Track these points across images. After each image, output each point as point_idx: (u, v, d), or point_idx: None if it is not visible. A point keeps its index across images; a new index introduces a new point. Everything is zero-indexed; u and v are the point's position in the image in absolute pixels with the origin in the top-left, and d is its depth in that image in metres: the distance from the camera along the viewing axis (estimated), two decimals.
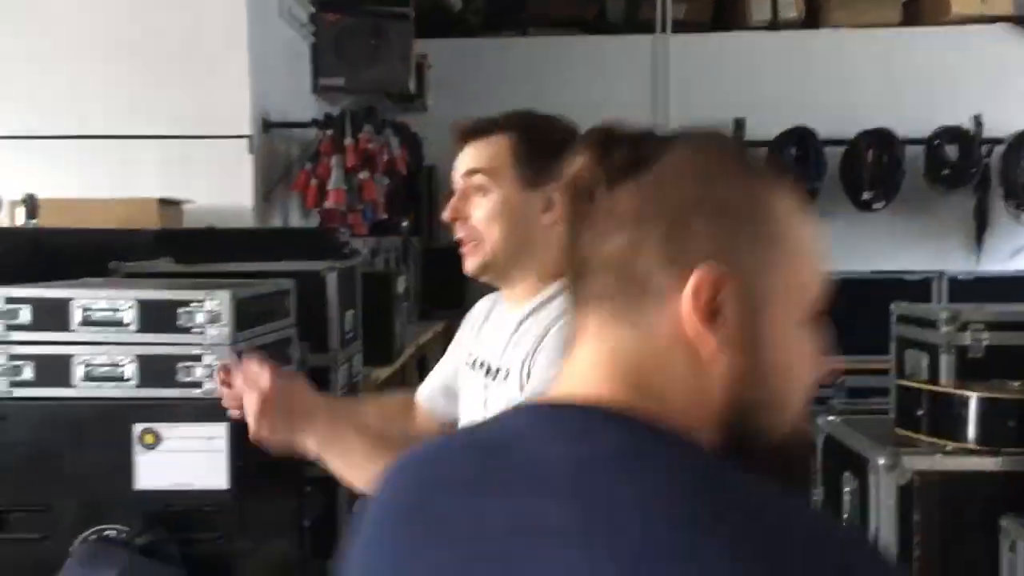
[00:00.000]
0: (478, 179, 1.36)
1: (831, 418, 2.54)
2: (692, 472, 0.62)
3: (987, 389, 2.28)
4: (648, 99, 5.60)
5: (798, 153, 5.13)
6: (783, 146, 5.14)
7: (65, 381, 1.62)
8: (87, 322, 1.63)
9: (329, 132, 4.03)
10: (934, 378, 2.44)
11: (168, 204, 3.30)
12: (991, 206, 5.32)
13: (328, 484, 2.48)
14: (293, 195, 4.16)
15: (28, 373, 1.62)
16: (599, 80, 5.61)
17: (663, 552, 0.56)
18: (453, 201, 1.39)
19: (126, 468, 1.59)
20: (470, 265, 1.38)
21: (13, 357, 1.62)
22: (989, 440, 2.23)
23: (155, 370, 1.61)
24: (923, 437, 2.31)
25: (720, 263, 0.66)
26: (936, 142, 5.12)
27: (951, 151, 5.14)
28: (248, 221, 3.69)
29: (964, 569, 2.21)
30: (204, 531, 1.59)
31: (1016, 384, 2.35)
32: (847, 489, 2.38)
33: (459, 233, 1.38)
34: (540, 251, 1.37)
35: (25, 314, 1.63)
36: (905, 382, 2.49)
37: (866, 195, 5.10)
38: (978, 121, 5.18)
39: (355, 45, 4.51)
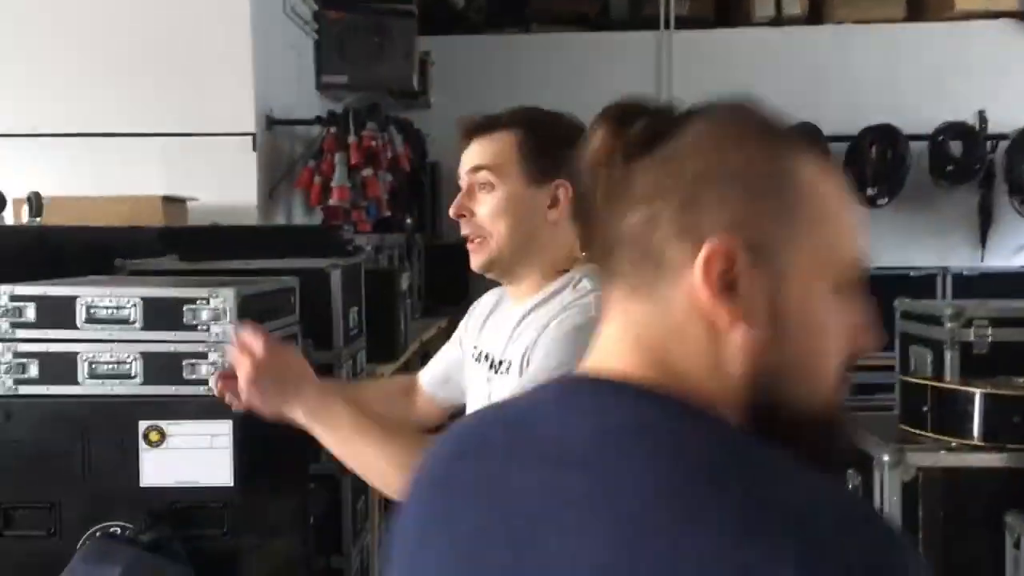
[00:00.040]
0: (483, 176, 1.37)
1: None
2: (701, 446, 0.62)
3: (992, 385, 2.28)
4: (653, 95, 5.58)
5: None
6: None
7: (70, 379, 1.62)
8: (92, 320, 1.63)
9: (333, 129, 4.03)
10: (938, 374, 2.43)
11: (172, 202, 3.31)
12: (995, 202, 5.31)
13: (333, 481, 2.49)
14: (297, 192, 4.16)
15: (33, 371, 1.63)
16: (602, 77, 5.60)
17: (656, 527, 0.57)
18: (459, 198, 1.39)
19: (131, 465, 1.59)
20: (476, 261, 1.38)
21: (18, 355, 1.63)
22: (994, 436, 2.23)
23: (160, 367, 1.62)
24: (927, 434, 2.31)
25: (734, 234, 0.65)
26: (940, 138, 5.11)
27: (955, 147, 5.13)
28: (252, 218, 3.70)
29: (968, 565, 2.20)
30: (209, 528, 1.60)
31: (1021, 380, 2.34)
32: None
33: (465, 230, 1.39)
34: (545, 247, 1.38)
35: (30, 312, 1.63)
36: (909, 378, 2.48)
37: (870, 191, 5.10)
38: (982, 117, 5.17)
39: (358, 42, 4.51)
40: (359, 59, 4.51)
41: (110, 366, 1.62)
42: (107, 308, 1.63)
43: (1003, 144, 5.14)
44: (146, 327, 1.63)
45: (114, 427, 1.60)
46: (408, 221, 4.73)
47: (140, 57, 3.68)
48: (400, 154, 4.27)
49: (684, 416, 0.65)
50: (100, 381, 1.62)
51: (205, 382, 1.61)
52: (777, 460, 0.62)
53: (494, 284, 1.50)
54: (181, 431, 1.60)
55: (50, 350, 1.63)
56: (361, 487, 2.68)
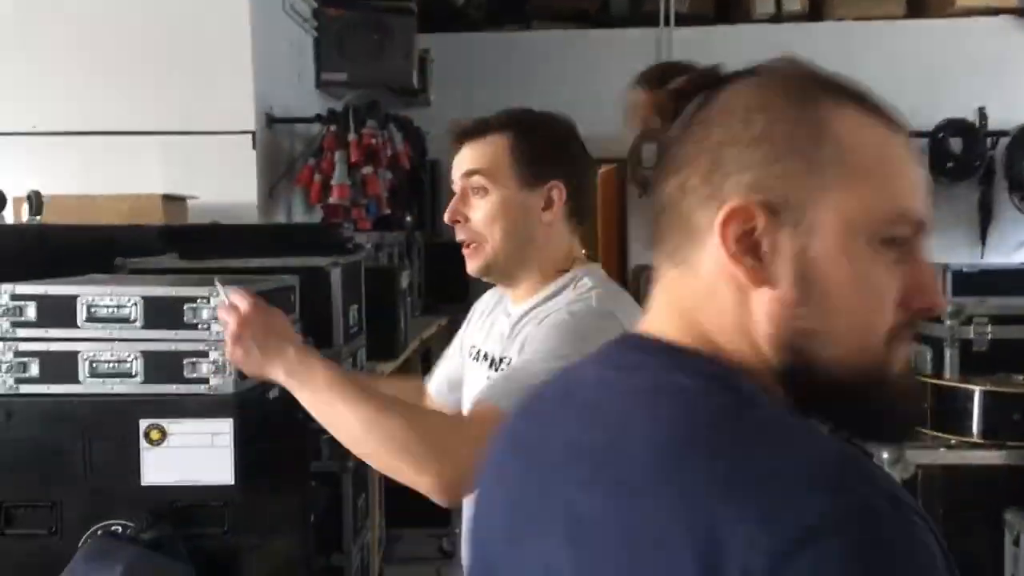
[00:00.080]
0: (477, 180, 1.37)
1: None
2: (703, 408, 0.63)
3: (991, 383, 2.28)
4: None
5: None
6: None
7: (71, 377, 1.62)
8: (93, 318, 1.63)
9: (332, 127, 4.03)
10: (938, 372, 2.44)
11: (172, 200, 3.31)
12: (995, 199, 5.32)
13: (333, 479, 2.49)
14: (297, 190, 4.17)
15: (34, 370, 1.63)
16: (602, 74, 5.59)
17: (644, 486, 0.60)
18: (453, 203, 1.39)
19: (132, 464, 1.59)
20: (473, 266, 1.39)
21: (19, 354, 1.63)
22: (993, 434, 2.24)
23: (161, 366, 1.62)
24: (927, 431, 2.31)
25: (754, 195, 0.65)
26: (940, 135, 5.11)
27: (955, 144, 5.13)
28: (252, 217, 3.70)
29: (968, 563, 2.21)
30: (210, 526, 1.60)
31: (1020, 378, 2.35)
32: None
33: (460, 235, 1.39)
34: (541, 249, 1.38)
35: (31, 311, 1.63)
36: None
37: None
38: (983, 114, 5.17)
39: (358, 40, 4.51)
40: (359, 57, 4.51)
41: (111, 365, 1.62)
42: (108, 307, 1.63)
43: (1003, 141, 5.15)
44: (147, 326, 1.63)
45: (115, 426, 1.60)
46: (408, 219, 4.74)
47: (140, 55, 3.68)
48: (400, 152, 4.27)
49: (700, 379, 0.66)
50: (101, 380, 1.62)
51: (206, 380, 1.62)
52: (772, 422, 0.62)
53: (495, 283, 1.50)
54: (182, 430, 1.60)
55: (51, 349, 1.63)
56: (362, 485, 2.69)
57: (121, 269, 2.28)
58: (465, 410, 1.44)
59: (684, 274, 0.70)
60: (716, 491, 0.57)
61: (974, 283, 4.58)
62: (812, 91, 0.68)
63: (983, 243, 5.40)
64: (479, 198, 1.37)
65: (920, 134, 5.08)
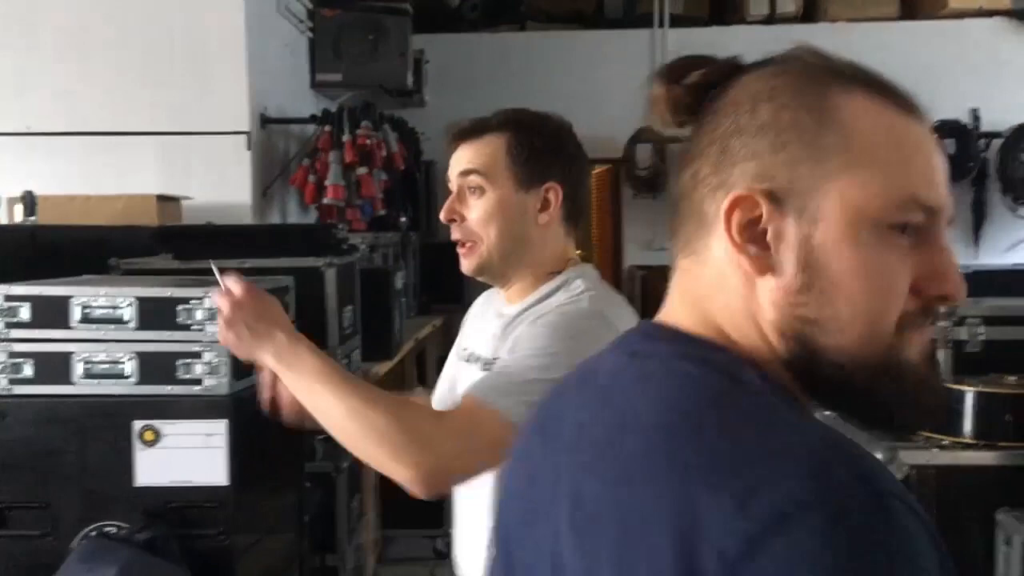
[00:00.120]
0: (473, 180, 1.37)
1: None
2: (702, 395, 0.64)
3: (984, 384, 2.29)
4: (646, 93, 5.60)
5: None
6: None
7: (65, 378, 1.62)
8: (86, 319, 1.63)
9: (327, 128, 4.03)
10: None
11: (167, 200, 3.30)
12: (988, 200, 5.34)
13: (327, 479, 2.49)
14: (291, 191, 4.16)
15: (28, 371, 1.63)
16: (597, 74, 5.61)
17: (642, 469, 0.61)
18: (449, 202, 1.39)
19: (126, 465, 1.59)
20: (467, 266, 1.39)
21: (13, 355, 1.63)
22: (986, 435, 2.24)
23: (155, 367, 1.62)
24: (920, 432, 2.32)
25: (759, 184, 0.66)
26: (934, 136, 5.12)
27: (949, 145, 5.14)
28: (246, 217, 3.70)
29: (960, 563, 2.21)
30: (204, 527, 1.60)
31: (1013, 379, 2.35)
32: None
33: (455, 234, 1.39)
34: (536, 250, 1.38)
35: (24, 312, 1.63)
36: None
37: None
38: (975, 115, 5.19)
39: (353, 40, 4.51)
40: (353, 57, 4.51)
41: (105, 366, 1.62)
42: (101, 308, 1.63)
43: (996, 142, 5.17)
44: (141, 327, 1.63)
45: (109, 427, 1.60)
46: (403, 220, 4.74)
47: (134, 56, 3.67)
48: (394, 152, 4.27)
49: (702, 366, 0.66)
50: (95, 381, 1.62)
51: (200, 381, 1.62)
52: (762, 410, 0.62)
53: (488, 285, 1.50)
54: (176, 431, 1.60)
55: (44, 350, 1.63)
56: (356, 486, 2.69)
57: (115, 270, 2.28)
58: None
59: (696, 263, 0.71)
60: (699, 476, 0.58)
61: (967, 284, 4.59)
62: (821, 79, 0.67)
63: (976, 244, 5.41)
64: (475, 198, 1.37)
65: None
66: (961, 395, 2.27)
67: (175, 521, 1.59)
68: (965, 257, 5.33)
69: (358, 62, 4.52)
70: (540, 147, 1.37)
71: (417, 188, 5.20)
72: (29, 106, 3.66)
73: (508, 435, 1.17)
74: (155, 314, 1.63)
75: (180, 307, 1.63)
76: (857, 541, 0.53)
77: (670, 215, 0.74)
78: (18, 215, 2.81)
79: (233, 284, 1.26)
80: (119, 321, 1.63)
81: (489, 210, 1.36)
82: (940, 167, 0.67)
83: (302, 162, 4.06)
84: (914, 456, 2.23)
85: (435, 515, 3.40)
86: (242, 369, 1.67)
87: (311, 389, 1.20)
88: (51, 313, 1.63)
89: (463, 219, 1.38)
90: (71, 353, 1.62)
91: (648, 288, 5.34)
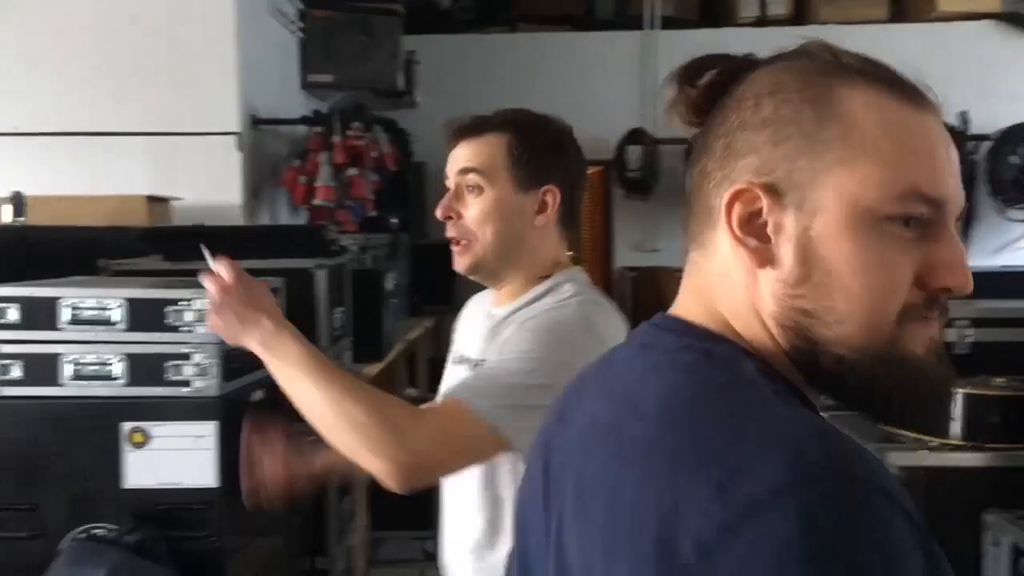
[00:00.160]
0: (472, 178, 1.36)
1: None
2: (699, 385, 0.65)
3: (972, 385, 2.30)
4: (637, 94, 5.62)
5: None
6: None
7: (53, 380, 1.62)
8: (75, 321, 1.62)
9: (318, 129, 4.02)
10: None
11: (156, 201, 3.29)
12: (978, 202, 5.36)
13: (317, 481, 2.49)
14: (282, 192, 4.15)
15: (16, 372, 1.62)
16: (588, 76, 5.62)
17: (630, 456, 0.63)
18: (446, 199, 1.38)
19: (115, 467, 1.59)
20: (461, 263, 1.38)
21: (1, 356, 1.62)
22: (974, 436, 2.25)
23: (144, 369, 1.61)
24: (908, 433, 2.33)
25: (760, 178, 0.66)
26: None
27: None
28: (237, 218, 3.69)
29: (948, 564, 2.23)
30: (193, 529, 1.60)
31: (1001, 380, 2.36)
32: None
33: (451, 232, 1.39)
34: (531, 252, 1.38)
35: (13, 313, 1.62)
36: None
37: None
38: (964, 118, 5.21)
39: (344, 41, 4.51)
40: (344, 58, 4.50)
41: (93, 367, 1.62)
42: (90, 309, 1.63)
43: (985, 145, 5.19)
44: (130, 328, 1.62)
45: (97, 428, 1.60)
46: (393, 221, 4.73)
47: (124, 56, 3.66)
48: (385, 154, 4.27)
49: (702, 357, 0.67)
50: (83, 382, 1.62)
51: (189, 383, 1.61)
52: (752, 400, 0.62)
53: (480, 285, 1.50)
54: (165, 432, 1.59)
55: (33, 351, 1.62)
56: (346, 488, 2.68)
57: (104, 271, 2.27)
58: None
59: (703, 257, 0.72)
60: (683, 464, 0.59)
61: None
62: (826, 73, 0.68)
63: (965, 246, 5.43)
64: (473, 196, 1.36)
65: None
66: (950, 397, 2.28)
67: (164, 523, 1.58)
68: None
69: (349, 63, 4.51)
70: (541, 149, 1.37)
71: (408, 189, 5.19)
72: (18, 107, 3.64)
73: (484, 437, 1.18)
74: (144, 315, 1.62)
75: (169, 308, 1.62)
76: (830, 531, 0.53)
77: (683, 210, 0.75)
78: (7, 216, 2.80)
79: (222, 268, 1.26)
80: (108, 322, 1.62)
81: (486, 209, 1.35)
82: (948, 160, 0.67)
83: (292, 163, 4.05)
84: (903, 458, 2.24)
85: (425, 517, 3.40)
86: (232, 371, 1.66)
87: (293, 377, 1.20)
88: (40, 314, 1.62)
89: (460, 217, 1.37)
90: (60, 354, 1.62)
91: (638, 289, 5.35)
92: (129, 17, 3.66)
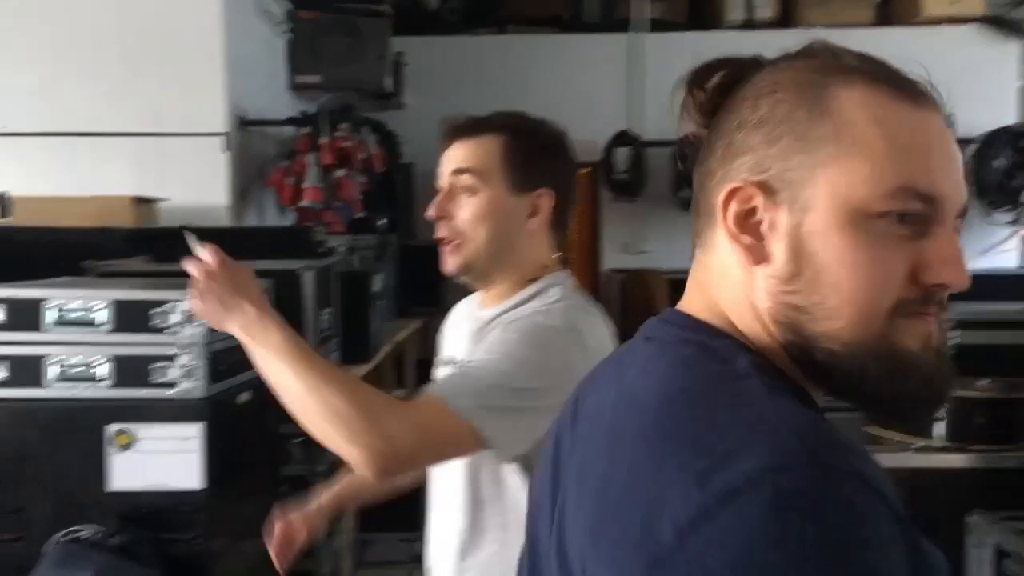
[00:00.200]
0: (467, 179, 1.36)
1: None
2: (693, 379, 0.66)
3: (956, 387, 2.32)
4: (624, 97, 5.63)
5: None
6: None
7: (38, 381, 1.61)
8: (60, 322, 1.62)
9: (305, 130, 4.02)
10: None
11: (142, 202, 3.28)
12: None
13: (304, 483, 2.48)
14: (269, 193, 4.14)
15: (1, 373, 1.61)
16: (576, 78, 5.63)
17: (625, 446, 0.65)
18: (439, 199, 1.38)
19: (100, 469, 1.58)
20: (452, 264, 1.38)
21: None
22: (957, 437, 2.27)
23: (129, 370, 1.61)
24: (892, 435, 2.34)
25: (756, 175, 0.68)
26: None
27: None
28: (224, 219, 3.68)
29: None
30: (179, 531, 1.59)
31: (985, 382, 2.38)
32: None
33: (442, 232, 1.38)
34: (521, 255, 1.38)
35: None
36: None
37: None
38: (950, 121, 5.23)
39: (331, 42, 4.50)
40: (332, 59, 4.50)
41: (79, 369, 1.61)
42: (76, 311, 1.62)
43: (970, 148, 5.22)
44: (115, 330, 1.62)
45: (82, 430, 1.59)
46: (381, 222, 4.73)
47: (110, 55, 3.65)
48: (373, 155, 4.26)
49: (699, 351, 0.69)
50: (68, 384, 1.61)
51: (174, 385, 1.61)
52: (742, 393, 0.63)
53: (467, 287, 1.50)
54: (150, 434, 1.59)
55: (17, 353, 1.62)
56: None
57: (90, 272, 2.27)
58: None
59: (705, 254, 0.74)
60: (670, 453, 0.61)
61: None
62: (824, 72, 0.69)
63: None
64: (467, 197, 1.36)
65: None
66: None
67: (149, 525, 1.58)
68: None
69: (337, 64, 4.51)
70: (536, 152, 1.37)
71: (396, 191, 5.19)
72: (3, 106, 3.62)
73: (461, 434, 1.18)
74: (130, 317, 1.62)
75: (155, 310, 1.62)
76: (802, 519, 0.54)
77: (691, 210, 0.76)
78: None
79: (206, 253, 1.26)
80: (93, 324, 1.62)
81: (480, 211, 1.35)
82: (946, 157, 0.68)
83: (279, 164, 4.04)
84: (887, 459, 2.25)
85: (412, 519, 3.40)
86: (218, 373, 1.66)
87: (274, 363, 1.20)
88: (25, 315, 1.62)
89: (452, 217, 1.37)
90: (45, 356, 1.61)
91: (626, 291, 5.36)
92: (116, 17, 3.65)
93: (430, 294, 4.40)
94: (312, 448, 2.50)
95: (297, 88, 4.53)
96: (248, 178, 3.98)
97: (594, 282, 5.81)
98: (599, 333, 1.33)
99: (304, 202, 3.94)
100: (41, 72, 3.63)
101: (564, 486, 0.73)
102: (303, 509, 1.59)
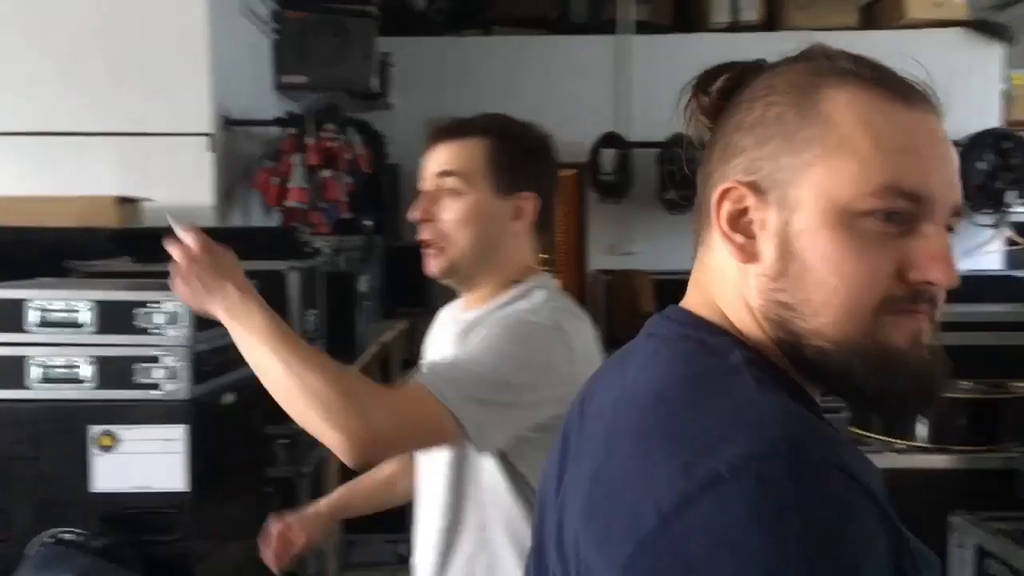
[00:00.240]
0: (451, 182, 1.36)
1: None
2: (684, 374, 0.68)
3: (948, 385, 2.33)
4: (611, 98, 5.64)
5: None
6: None
7: (20, 383, 1.60)
8: (43, 323, 1.61)
9: (291, 130, 4.01)
10: None
11: (126, 202, 3.26)
12: None
13: (288, 484, 2.48)
14: (254, 194, 4.13)
15: None
16: (562, 79, 5.64)
17: (620, 436, 0.67)
18: (423, 201, 1.38)
19: (83, 470, 1.57)
20: (435, 266, 1.38)
21: None
22: (940, 439, 2.29)
23: (113, 371, 1.60)
24: (876, 436, 2.36)
25: (748, 175, 0.70)
26: None
27: None
28: (209, 220, 3.66)
29: None
30: (163, 533, 1.59)
31: (967, 383, 2.40)
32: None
33: (425, 234, 1.38)
34: (505, 257, 1.38)
35: None
36: None
37: None
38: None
39: (318, 43, 4.49)
40: (318, 60, 4.48)
41: (61, 370, 1.60)
42: (58, 311, 1.61)
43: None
44: (98, 331, 1.61)
45: (65, 432, 1.58)
46: (367, 223, 4.72)
47: (94, 54, 3.62)
48: (359, 156, 4.26)
49: (696, 346, 0.71)
50: (51, 385, 1.60)
51: (158, 386, 1.60)
52: (733, 387, 0.65)
53: (451, 289, 1.50)
54: (134, 436, 1.58)
55: (0, 354, 1.60)
56: (317, 491, 2.67)
57: (73, 273, 2.25)
58: None
59: (705, 253, 0.76)
60: (660, 444, 0.63)
61: None
62: (817, 75, 0.70)
63: None
64: (451, 199, 1.36)
65: None
66: None
67: (133, 527, 1.57)
68: None
69: (323, 64, 4.50)
70: (521, 155, 1.37)
71: (382, 192, 5.18)
72: None
73: (443, 423, 1.18)
74: (113, 318, 1.61)
75: (139, 311, 1.61)
76: (781, 506, 0.56)
77: (693, 211, 0.78)
78: None
79: (188, 236, 1.25)
80: (76, 325, 1.61)
81: (464, 213, 1.35)
82: (936, 157, 0.69)
83: (264, 165, 4.03)
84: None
85: (398, 520, 3.39)
86: (203, 373, 1.65)
87: (256, 346, 1.20)
88: (7, 316, 1.61)
89: (436, 220, 1.37)
90: (27, 357, 1.60)
91: (612, 292, 5.37)
92: (100, 16, 3.63)
93: (416, 295, 4.40)
94: (297, 449, 2.50)
95: (283, 88, 4.52)
96: (233, 178, 3.97)
97: (580, 283, 5.82)
98: (584, 335, 1.33)
99: (290, 202, 3.92)
100: (23, 72, 3.61)
101: (567, 479, 0.74)
102: (301, 514, 1.59)
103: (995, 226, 5.38)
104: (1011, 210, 5.30)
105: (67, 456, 1.58)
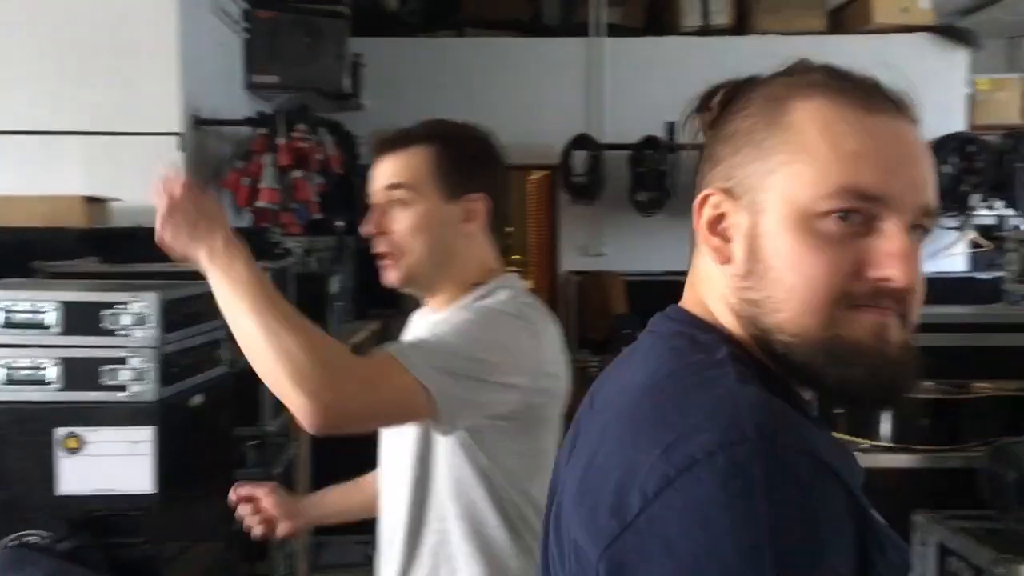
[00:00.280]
0: (399, 193, 1.37)
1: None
2: (672, 368, 0.73)
3: (918, 380, 2.37)
4: (583, 100, 5.66)
5: None
6: None
7: None
8: (8, 324, 1.60)
9: (262, 130, 3.99)
10: None
11: (94, 202, 3.23)
12: None
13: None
14: (225, 194, 4.11)
15: None
16: (534, 81, 5.65)
17: (613, 427, 0.71)
18: (375, 216, 1.39)
19: (48, 473, 1.56)
20: (392, 277, 1.39)
21: None
22: (903, 438, 2.32)
23: (79, 373, 1.59)
24: (840, 435, 2.39)
25: (723, 183, 0.75)
26: None
27: None
28: None
29: None
30: (130, 536, 1.58)
31: (930, 384, 2.44)
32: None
33: (380, 247, 1.39)
34: (461, 261, 1.39)
35: None
36: None
37: None
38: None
39: (289, 42, 4.47)
40: (290, 59, 4.47)
41: (26, 371, 1.59)
42: (23, 312, 1.60)
43: None
44: (64, 332, 1.60)
45: (30, 434, 1.57)
46: (339, 224, 4.70)
47: (61, 52, 3.59)
48: (331, 156, 4.24)
49: (686, 343, 0.75)
50: (16, 387, 1.59)
51: (125, 388, 1.59)
52: (715, 379, 0.69)
53: (414, 295, 1.51)
54: (100, 438, 1.57)
55: None
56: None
57: (39, 273, 2.23)
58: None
59: (696, 256, 0.81)
60: (645, 433, 0.67)
61: None
62: (789, 87, 0.75)
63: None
64: (400, 210, 1.38)
65: None
66: None
67: (99, 530, 1.56)
68: None
69: (294, 64, 4.48)
70: (466, 158, 1.39)
71: (354, 192, 5.14)
72: None
73: (413, 395, 1.18)
74: (80, 319, 1.60)
75: (105, 312, 1.60)
76: (751, 487, 0.60)
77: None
78: None
79: (172, 181, 1.23)
80: (42, 326, 1.60)
81: (416, 223, 1.36)
82: (899, 159, 0.71)
83: (235, 165, 4.00)
84: None
85: (367, 521, 3.39)
86: (170, 375, 1.65)
87: (234, 297, 1.18)
88: None
89: (388, 232, 1.38)
90: None
91: (584, 293, 5.39)
92: (68, 13, 3.59)
93: (388, 296, 4.38)
94: (267, 451, 2.49)
95: (254, 88, 4.50)
96: (203, 178, 3.94)
97: (552, 284, 5.84)
98: (550, 332, 1.35)
99: (260, 203, 3.91)
100: None
101: (568, 466, 0.78)
102: (284, 496, 1.57)
103: (960, 229, 5.45)
104: (975, 213, 5.39)
105: (32, 458, 1.56)
